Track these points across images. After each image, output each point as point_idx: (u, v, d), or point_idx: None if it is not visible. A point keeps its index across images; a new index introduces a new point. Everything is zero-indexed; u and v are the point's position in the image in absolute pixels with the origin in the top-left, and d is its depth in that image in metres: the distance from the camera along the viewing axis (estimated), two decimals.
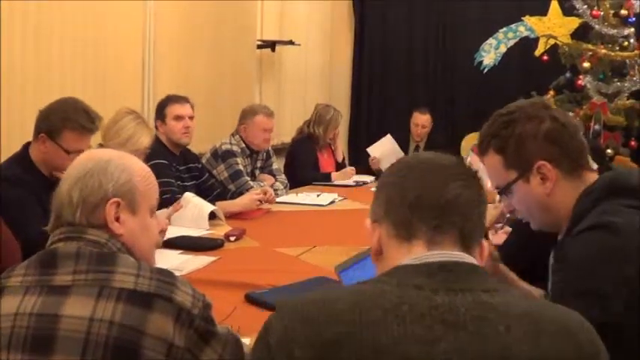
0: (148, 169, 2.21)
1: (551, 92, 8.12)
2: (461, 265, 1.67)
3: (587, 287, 2.13)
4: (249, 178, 6.17)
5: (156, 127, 5.43)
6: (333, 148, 8.03)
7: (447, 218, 1.70)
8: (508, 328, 1.54)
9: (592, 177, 2.44)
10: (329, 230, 5.04)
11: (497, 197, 5.47)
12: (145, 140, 4.50)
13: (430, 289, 1.58)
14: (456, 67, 10.28)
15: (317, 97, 9.79)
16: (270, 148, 6.75)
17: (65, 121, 3.85)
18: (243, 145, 6.32)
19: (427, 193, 1.72)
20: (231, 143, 6.25)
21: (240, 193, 5.71)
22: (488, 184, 1.95)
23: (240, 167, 6.16)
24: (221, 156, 6.17)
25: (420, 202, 1.71)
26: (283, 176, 6.76)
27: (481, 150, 2.54)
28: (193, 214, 4.82)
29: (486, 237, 3.75)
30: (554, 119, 2.42)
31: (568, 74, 8.39)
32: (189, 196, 4.91)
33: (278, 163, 6.96)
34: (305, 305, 1.58)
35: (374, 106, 10.74)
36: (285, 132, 9.00)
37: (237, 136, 6.33)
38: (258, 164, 6.59)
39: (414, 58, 10.60)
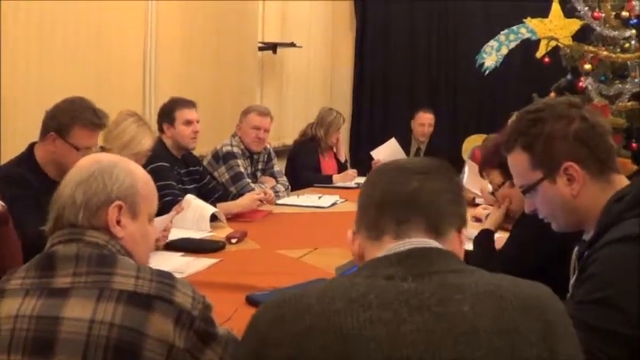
0: (149, 176, 2.21)
1: (553, 94, 8.08)
2: (428, 250, 1.72)
3: (608, 297, 2.09)
4: (250, 180, 6.17)
5: (162, 130, 5.48)
6: (335, 151, 8.03)
7: (409, 210, 1.78)
8: (472, 306, 1.58)
9: (620, 180, 2.38)
10: (330, 232, 4.98)
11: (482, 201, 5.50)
12: (147, 142, 4.52)
13: (399, 278, 1.63)
14: (458, 68, 10.30)
15: (319, 99, 9.81)
16: (271, 150, 6.75)
17: (74, 118, 3.88)
18: (243, 147, 6.30)
19: (390, 190, 1.81)
20: (231, 145, 6.24)
21: (242, 195, 5.70)
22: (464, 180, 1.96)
23: (241, 169, 6.16)
24: (222, 158, 6.17)
25: (384, 201, 1.81)
26: (284, 178, 6.75)
27: (507, 147, 2.48)
28: (194, 216, 4.83)
29: (491, 236, 3.78)
30: (583, 119, 2.34)
31: (569, 76, 8.37)
32: (190, 199, 4.92)
33: (279, 165, 6.95)
34: (275, 305, 1.63)
35: (376, 108, 10.75)
36: (286, 134, 9.01)
37: (237, 137, 6.32)
38: (260, 166, 6.58)
39: (415, 60, 10.61)
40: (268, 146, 6.67)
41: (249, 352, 1.62)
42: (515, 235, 3.61)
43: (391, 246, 1.74)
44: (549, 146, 2.35)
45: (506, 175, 3.33)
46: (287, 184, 6.68)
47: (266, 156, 6.64)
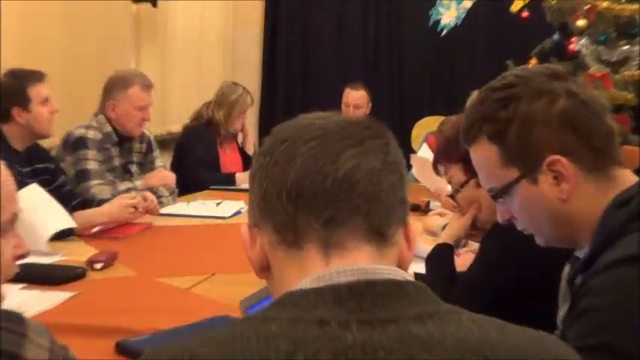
0: (6, 177, 2.18)
1: (533, 61, 8.15)
2: (379, 284, 1.55)
3: (610, 343, 2.07)
4: (101, 182, 6.06)
5: (5, 117, 5.40)
6: (239, 141, 8.04)
7: (343, 204, 1.59)
8: None
9: (625, 176, 2.39)
10: (232, 252, 4.83)
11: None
12: None
13: (338, 323, 1.47)
14: (404, 30, 10.33)
15: (216, 70, 9.85)
16: (152, 139, 6.73)
17: None
18: (109, 129, 6.24)
19: (311, 173, 1.60)
20: (88, 127, 6.17)
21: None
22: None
23: (92, 166, 6.05)
24: (71, 146, 6.09)
25: (301, 189, 1.60)
26: None
27: (468, 138, 2.51)
28: (25, 234, 4.69)
29: (450, 254, 3.78)
30: (571, 95, 2.36)
31: (556, 36, 8.46)
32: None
33: (163, 160, 6.90)
34: None
35: (293, 83, 10.75)
36: (172, 118, 8.97)
37: (102, 116, 6.27)
38: (135, 158, 6.54)
39: (348, 19, 10.64)
40: (147, 132, 6.65)
41: None
42: (486, 253, 3.59)
43: (319, 269, 1.57)
44: (526, 134, 2.36)
45: (471, 170, 3.30)
46: (171, 188, 6.65)
47: (146, 145, 6.63)
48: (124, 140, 6.36)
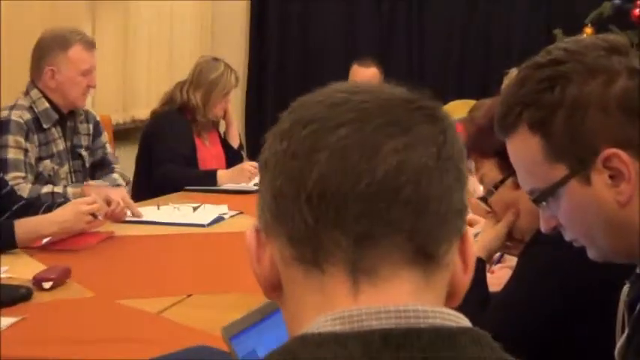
0: None
1: (588, 30, 8.13)
2: (424, 333, 1.40)
3: None
4: (21, 175, 5.98)
5: None
6: (221, 130, 8.02)
7: (381, 216, 1.44)
8: None
9: None
10: (212, 268, 4.99)
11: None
12: None
13: None
14: None
15: (192, 42, 9.83)
16: (98, 119, 6.71)
17: None
18: (46, 106, 6.18)
19: (340, 171, 1.44)
20: (12, 108, 6.12)
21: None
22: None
23: (11, 155, 5.99)
24: None
25: (327, 192, 1.44)
26: (118, 166, 6.74)
27: (504, 127, 2.47)
28: None
29: (482, 270, 3.76)
30: (634, 73, 2.31)
31: None
32: None
33: (127, 154, 6.87)
34: None
35: (288, 58, 10.73)
36: (138, 101, 8.98)
37: (35, 90, 6.20)
38: (82, 141, 6.52)
39: None
40: (92, 111, 6.67)
41: None
42: (525, 268, 3.56)
43: (347, 307, 1.42)
44: (577, 123, 2.32)
45: (507, 167, 3.26)
46: (127, 177, 6.77)
47: (92, 127, 6.60)
48: (65, 118, 6.32)
